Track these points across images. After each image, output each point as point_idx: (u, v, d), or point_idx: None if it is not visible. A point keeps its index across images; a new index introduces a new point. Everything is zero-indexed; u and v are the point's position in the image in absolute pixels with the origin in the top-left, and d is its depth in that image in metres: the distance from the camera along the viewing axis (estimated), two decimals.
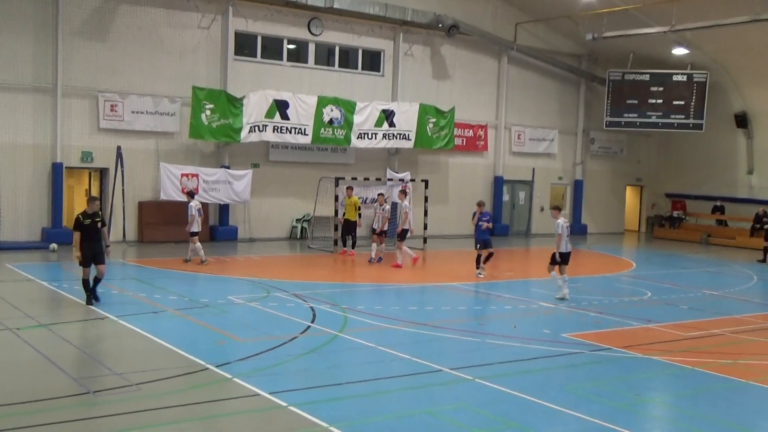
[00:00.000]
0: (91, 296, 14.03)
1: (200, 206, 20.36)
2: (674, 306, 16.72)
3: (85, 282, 14.02)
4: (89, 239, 13.91)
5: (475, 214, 19.91)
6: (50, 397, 8.76)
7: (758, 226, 30.95)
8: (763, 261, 26.19)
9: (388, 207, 22.47)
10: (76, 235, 13.91)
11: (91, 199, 14.37)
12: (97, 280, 14.12)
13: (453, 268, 21.93)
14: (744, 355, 12.42)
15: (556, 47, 32.87)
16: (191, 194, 20.74)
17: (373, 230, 22.44)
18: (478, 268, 19.65)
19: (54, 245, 21.45)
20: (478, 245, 19.67)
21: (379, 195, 22.82)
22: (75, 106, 23.23)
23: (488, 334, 12.96)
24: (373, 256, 21.69)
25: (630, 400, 9.60)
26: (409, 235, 21.69)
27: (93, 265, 14.00)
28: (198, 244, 19.88)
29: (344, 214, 23.42)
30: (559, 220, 16.73)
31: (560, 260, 16.67)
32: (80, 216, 14.00)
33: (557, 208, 17.25)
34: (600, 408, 9.09)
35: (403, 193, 22.61)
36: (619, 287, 19.56)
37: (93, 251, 13.96)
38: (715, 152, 33.91)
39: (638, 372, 11.03)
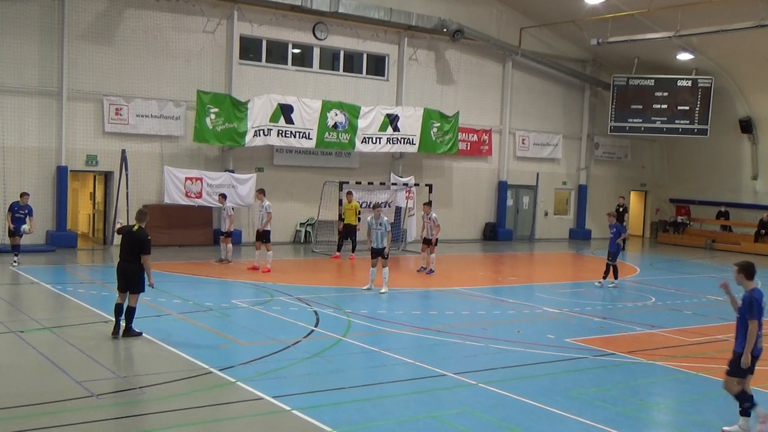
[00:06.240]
0: (117, 326, 11.97)
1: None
2: (678, 311, 16.70)
3: (117, 307, 12.12)
4: (121, 259, 12.09)
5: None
6: (54, 400, 8.77)
7: (763, 231, 30.93)
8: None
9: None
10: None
11: (136, 213, 12.43)
12: (127, 311, 11.98)
13: (457, 272, 21.92)
14: None
15: (561, 52, 32.87)
16: (224, 196, 22.06)
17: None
18: (605, 277, 19.75)
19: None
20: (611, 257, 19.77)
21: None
22: (80, 110, 23.29)
23: (492, 339, 12.94)
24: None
25: (634, 406, 9.58)
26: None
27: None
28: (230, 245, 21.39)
29: (344, 219, 23.43)
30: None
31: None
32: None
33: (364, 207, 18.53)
34: (604, 413, 9.08)
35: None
36: (623, 292, 19.52)
37: (123, 273, 12.00)
38: (720, 158, 33.86)
39: (642, 377, 11.01)
